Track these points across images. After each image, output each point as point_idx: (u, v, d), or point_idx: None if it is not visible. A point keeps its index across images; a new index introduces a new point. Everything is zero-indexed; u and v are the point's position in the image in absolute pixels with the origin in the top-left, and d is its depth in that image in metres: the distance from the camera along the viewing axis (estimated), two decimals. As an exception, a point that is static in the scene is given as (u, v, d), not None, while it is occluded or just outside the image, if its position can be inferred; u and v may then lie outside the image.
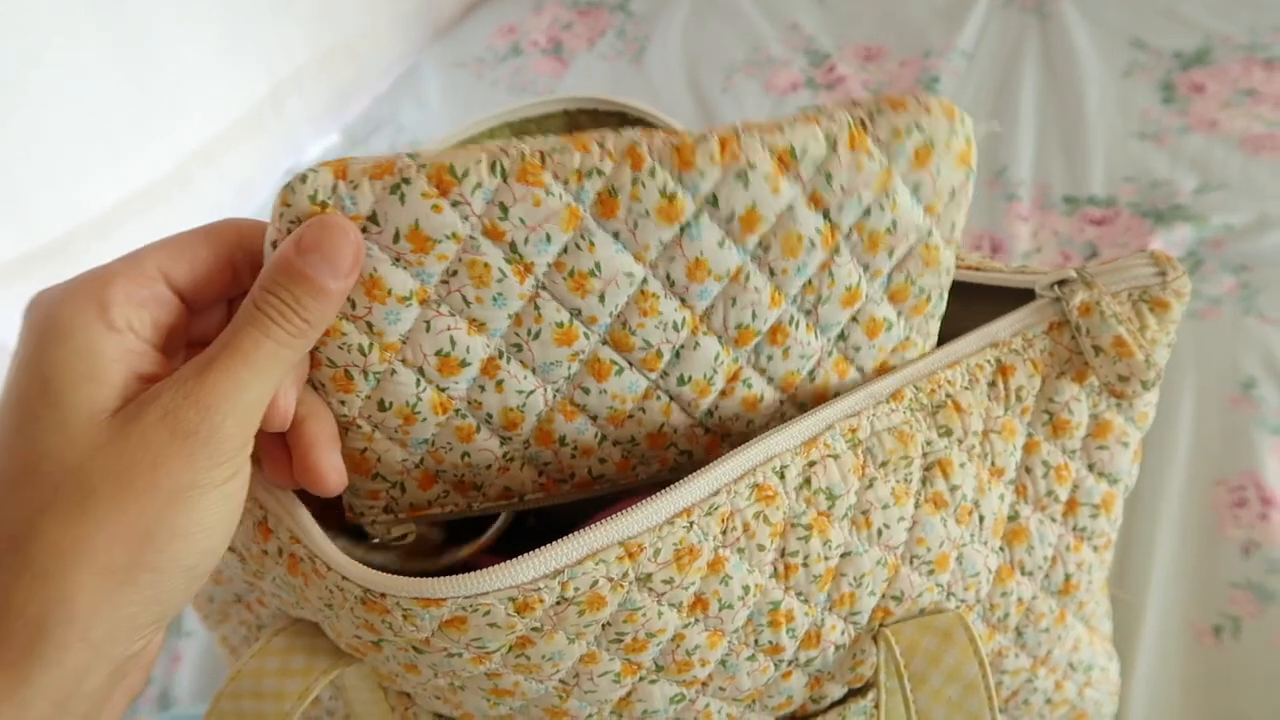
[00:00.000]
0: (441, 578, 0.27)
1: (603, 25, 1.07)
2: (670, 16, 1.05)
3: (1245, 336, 0.65)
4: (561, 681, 0.31)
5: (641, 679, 0.32)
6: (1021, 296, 0.35)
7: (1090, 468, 0.36)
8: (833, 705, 0.36)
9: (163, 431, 0.24)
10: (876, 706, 0.34)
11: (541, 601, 0.28)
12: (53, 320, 0.25)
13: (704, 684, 0.33)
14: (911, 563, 0.33)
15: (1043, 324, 0.34)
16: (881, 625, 0.34)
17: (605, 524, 0.29)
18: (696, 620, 0.31)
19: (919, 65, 0.94)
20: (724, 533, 0.30)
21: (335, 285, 0.26)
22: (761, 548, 0.31)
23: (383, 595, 0.28)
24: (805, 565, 0.32)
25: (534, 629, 0.29)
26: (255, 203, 0.95)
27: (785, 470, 0.31)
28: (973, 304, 0.37)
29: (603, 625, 0.30)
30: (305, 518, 0.29)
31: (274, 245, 0.27)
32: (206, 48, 0.88)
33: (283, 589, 0.32)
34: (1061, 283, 0.33)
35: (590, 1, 1.10)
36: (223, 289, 0.28)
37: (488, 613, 0.28)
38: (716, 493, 0.30)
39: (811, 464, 0.32)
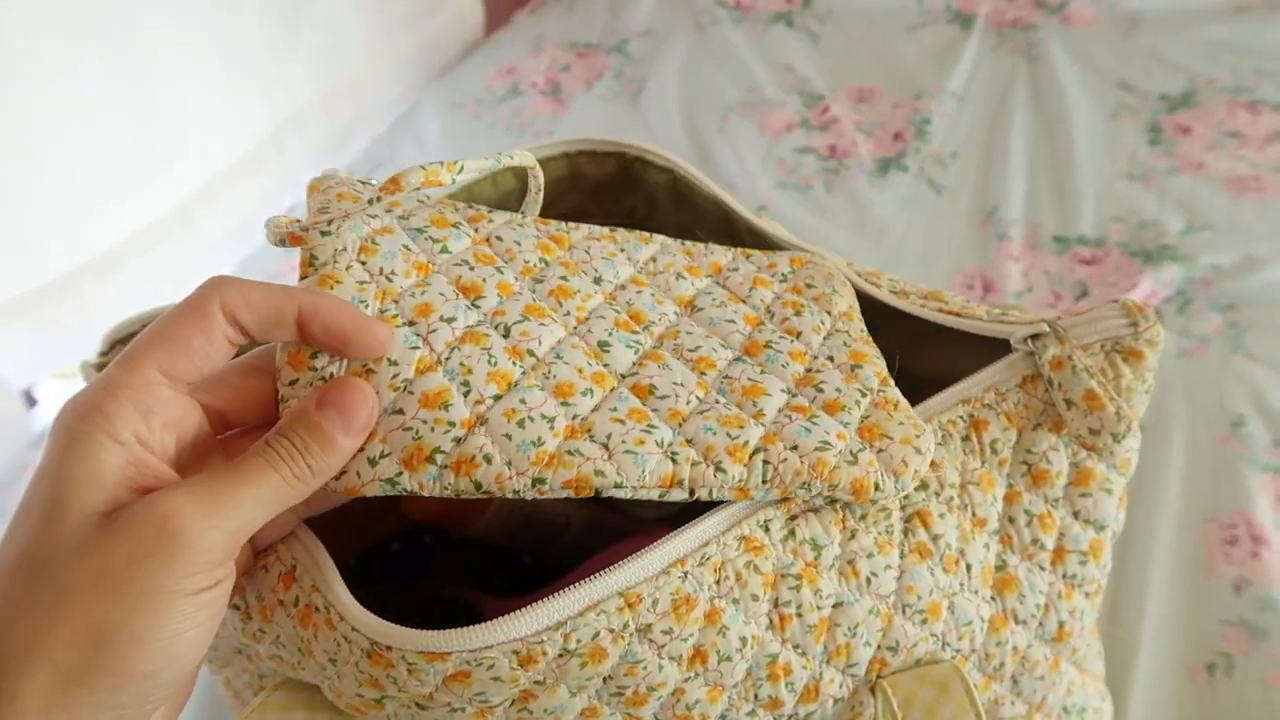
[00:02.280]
0: (446, 631, 0.28)
1: (600, 67, 1.09)
2: (667, 58, 1.07)
3: (1233, 375, 0.66)
4: None
5: None
6: (1001, 342, 0.36)
7: (1075, 515, 0.36)
8: None
9: (145, 530, 0.24)
10: None
11: (545, 654, 0.28)
12: (65, 427, 0.26)
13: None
14: (904, 612, 0.34)
15: (1016, 378, 0.35)
16: (879, 677, 0.34)
17: (603, 575, 0.29)
18: (696, 674, 0.31)
19: (911, 107, 0.95)
20: (718, 582, 0.31)
21: (346, 442, 0.28)
22: (755, 598, 0.31)
23: (388, 648, 0.28)
24: (799, 615, 0.32)
25: (537, 682, 0.29)
26: (255, 242, 0.96)
27: (769, 523, 0.32)
28: (956, 346, 0.38)
29: (604, 678, 0.30)
30: (330, 566, 0.30)
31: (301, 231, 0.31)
32: (210, 87, 0.90)
33: (284, 649, 0.32)
34: (1035, 337, 0.34)
35: (588, 43, 1.12)
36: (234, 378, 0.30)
37: (491, 666, 0.28)
38: (707, 544, 0.31)
39: (793, 517, 0.32)
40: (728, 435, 0.31)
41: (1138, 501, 0.60)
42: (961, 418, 0.35)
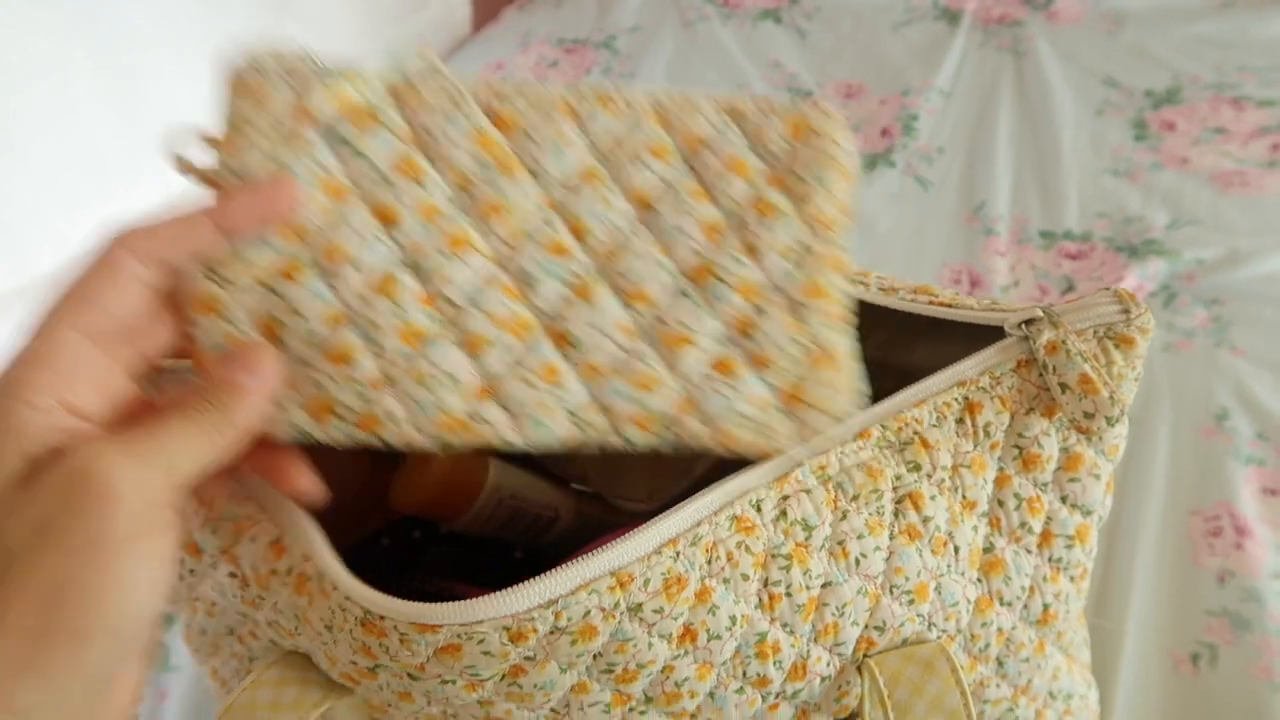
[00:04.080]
0: (439, 604, 0.28)
1: (588, 63, 1.09)
2: (655, 54, 1.07)
3: (1218, 369, 0.66)
4: (553, 710, 0.32)
5: (631, 710, 0.32)
6: (992, 333, 0.36)
7: (1063, 500, 0.36)
8: None
9: (74, 481, 0.24)
10: None
11: (535, 631, 0.29)
12: None
13: (693, 716, 0.33)
14: (892, 592, 0.34)
15: (1010, 362, 0.35)
16: (865, 656, 0.34)
17: (596, 555, 0.29)
18: (686, 652, 0.31)
19: (898, 103, 0.96)
20: (709, 562, 0.31)
21: (253, 384, 0.29)
22: (745, 577, 0.32)
23: (381, 618, 0.28)
24: (789, 595, 0.32)
25: (527, 658, 0.29)
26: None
27: (761, 504, 0.32)
28: (946, 341, 0.38)
29: (594, 655, 0.30)
30: (318, 537, 0.30)
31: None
32: (197, 82, 0.89)
33: (282, 614, 0.32)
34: (1029, 321, 0.34)
35: (576, 39, 1.12)
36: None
37: (482, 640, 0.28)
38: (699, 524, 0.31)
39: (785, 498, 0.33)
40: (639, 403, 0.31)
41: (1124, 493, 0.60)
42: (957, 400, 0.35)
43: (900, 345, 0.42)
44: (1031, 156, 0.87)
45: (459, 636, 0.28)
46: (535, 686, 0.30)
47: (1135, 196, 0.81)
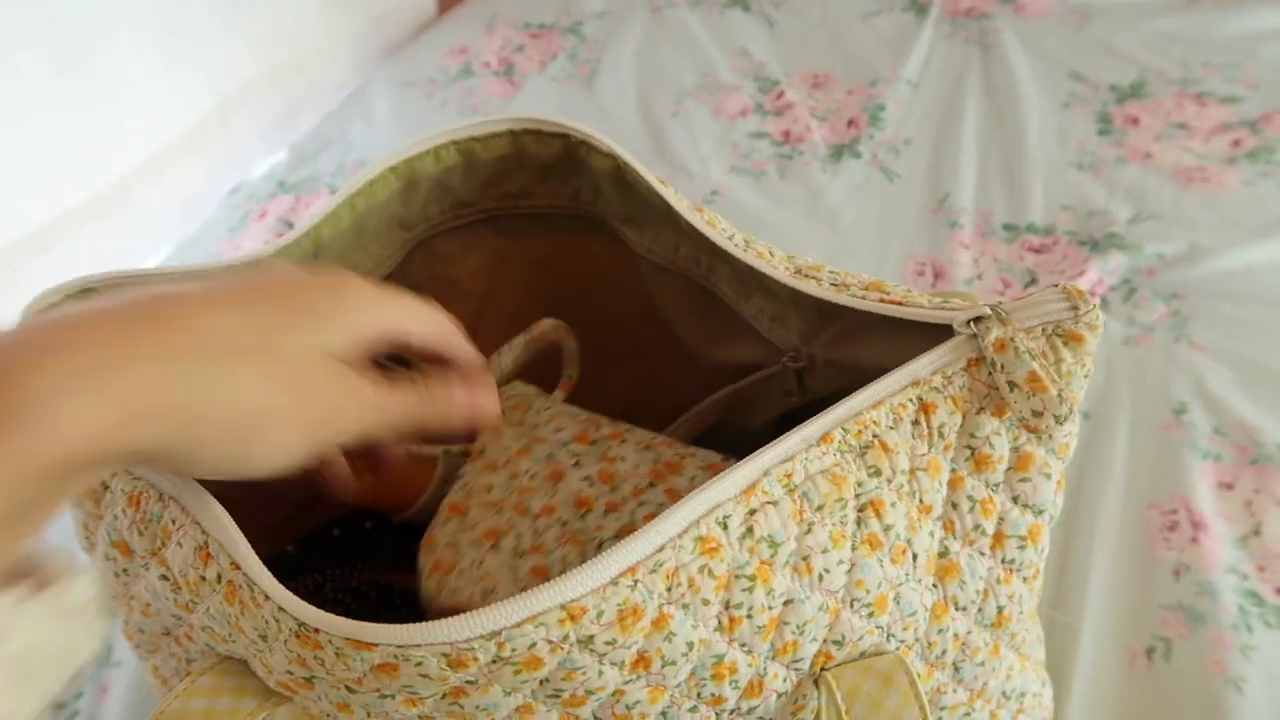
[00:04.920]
0: (375, 625, 0.27)
1: (554, 48, 1.07)
2: (622, 41, 1.06)
3: (1177, 363, 0.67)
4: None
5: None
6: (944, 331, 0.35)
7: (1015, 500, 0.36)
8: None
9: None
10: None
11: (476, 660, 0.27)
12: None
13: None
14: (852, 606, 0.33)
15: (961, 361, 0.34)
16: (823, 670, 0.34)
17: (548, 586, 0.28)
18: (638, 677, 0.30)
19: (865, 93, 0.95)
20: (669, 589, 0.30)
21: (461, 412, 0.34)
22: (706, 602, 0.30)
23: (316, 631, 0.27)
24: (749, 617, 0.31)
25: (468, 681, 0.28)
26: (200, 220, 0.93)
27: (728, 520, 0.31)
28: (898, 336, 0.37)
29: (541, 681, 0.29)
30: (244, 546, 0.29)
31: None
32: (149, 62, 0.87)
33: (215, 620, 0.31)
34: (977, 319, 0.34)
35: (542, 24, 1.11)
36: None
37: (420, 663, 0.27)
38: (662, 549, 0.29)
39: (752, 512, 0.31)
40: None
41: (1082, 486, 0.60)
42: (911, 401, 0.34)
43: (850, 341, 0.42)
44: (997, 149, 0.87)
45: (395, 657, 0.27)
46: (478, 708, 0.29)
47: (1099, 190, 0.81)
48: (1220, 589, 0.54)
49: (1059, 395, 0.33)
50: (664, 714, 0.32)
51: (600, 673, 0.29)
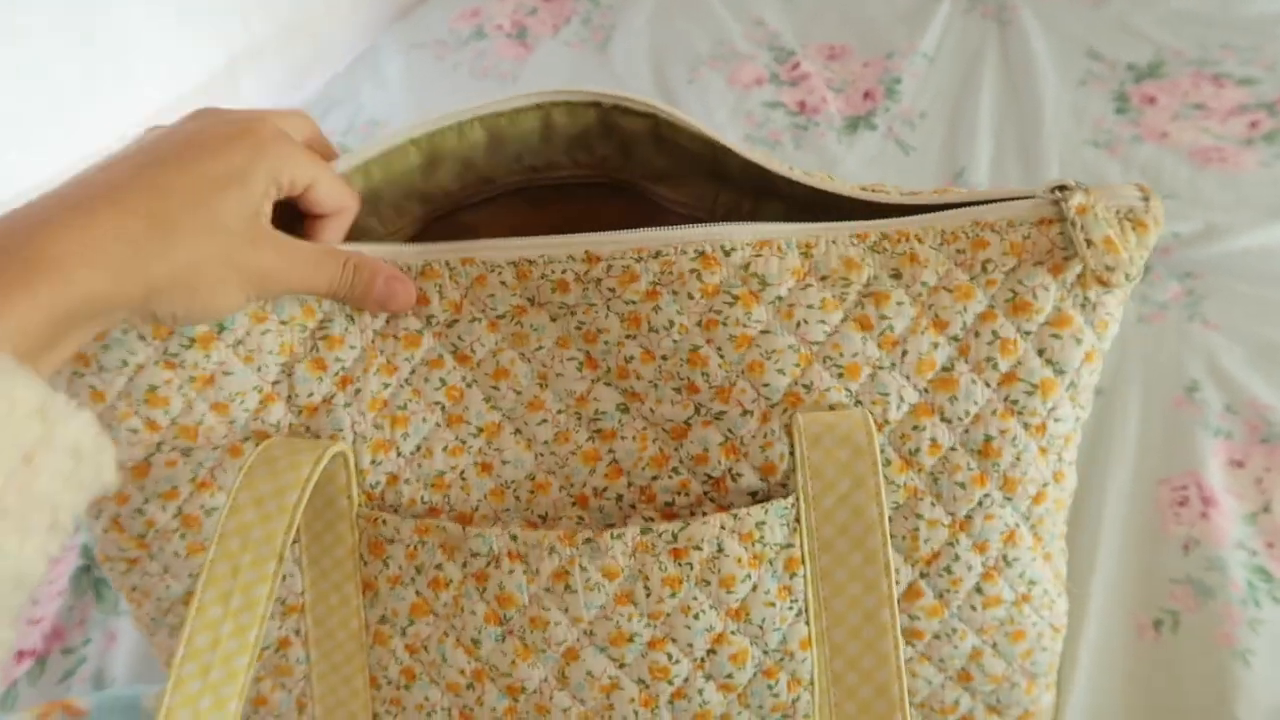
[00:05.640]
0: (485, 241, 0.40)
1: (568, 12, 1.06)
2: (637, 7, 1.05)
3: (1190, 341, 0.66)
4: (542, 364, 0.40)
5: (597, 380, 0.40)
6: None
7: (1040, 353, 0.38)
8: (755, 501, 0.39)
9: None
10: (797, 512, 0.38)
11: (529, 274, 0.39)
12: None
13: (639, 398, 0.40)
14: (824, 362, 0.38)
15: (1033, 217, 0.37)
16: (792, 412, 0.38)
17: (582, 235, 0.39)
18: (632, 335, 0.39)
19: (881, 66, 0.95)
20: (662, 273, 0.38)
21: (378, 296, 0.40)
22: (691, 296, 0.38)
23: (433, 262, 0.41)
24: (724, 324, 0.38)
25: (528, 299, 0.40)
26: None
27: (732, 251, 0.38)
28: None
29: (570, 311, 0.39)
30: None
31: None
32: (161, 16, 0.86)
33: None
34: (1061, 187, 0.37)
35: (556, -12, 1.10)
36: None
37: (500, 272, 0.40)
38: (665, 248, 0.38)
39: (759, 255, 0.38)
40: None
41: (1092, 462, 0.60)
42: (965, 233, 0.38)
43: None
44: (1013, 125, 0.87)
45: (484, 269, 0.40)
46: (531, 327, 0.40)
47: (1114, 168, 0.81)
48: (1230, 564, 0.54)
49: (1130, 259, 0.36)
50: (654, 383, 0.39)
51: (606, 315, 0.39)
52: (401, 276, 0.40)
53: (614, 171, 0.48)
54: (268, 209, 0.37)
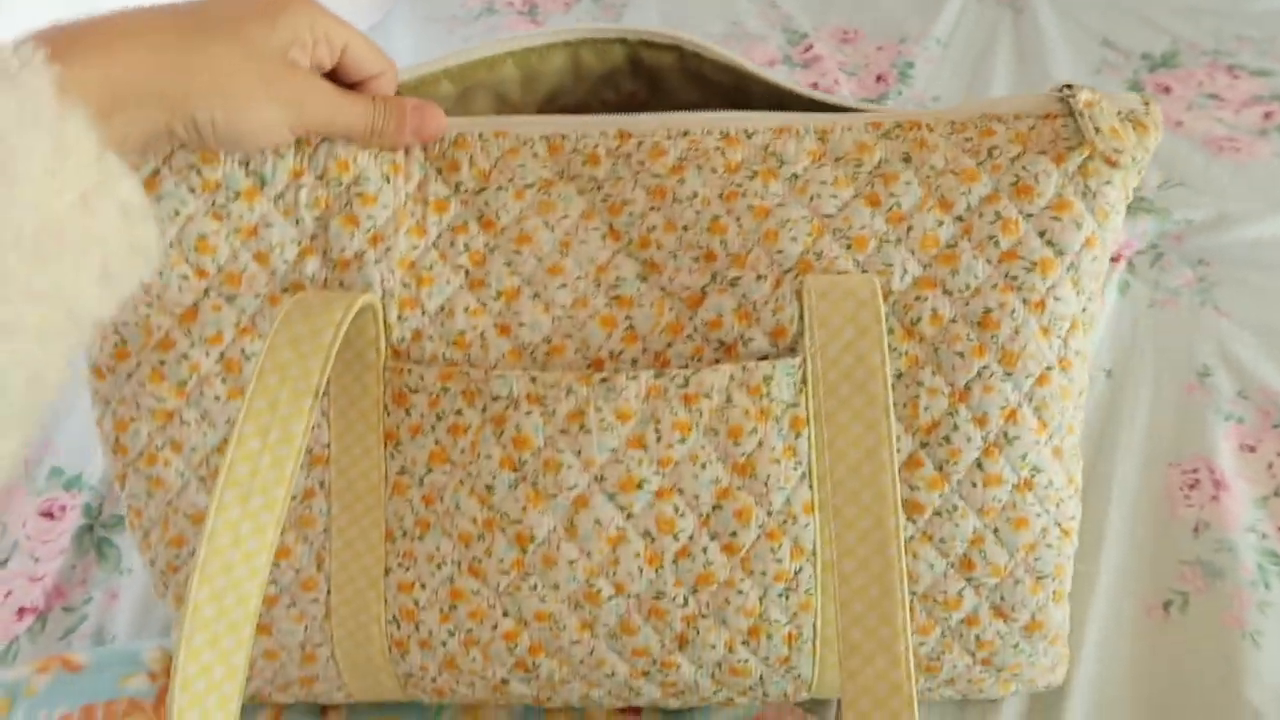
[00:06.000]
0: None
1: (580, -10, 1.06)
2: (649, -14, 1.04)
3: (1202, 327, 0.66)
4: (566, 233, 0.42)
5: (618, 251, 0.42)
6: None
7: (1040, 234, 0.40)
8: (764, 359, 0.41)
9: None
10: (804, 372, 0.40)
11: (561, 149, 0.42)
12: None
13: (656, 267, 0.41)
14: (834, 233, 0.40)
15: (1039, 110, 0.41)
16: (803, 277, 0.40)
17: (615, 116, 0.42)
18: (656, 208, 0.41)
19: (895, 51, 0.94)
20: (689, 149, 0.41)
21: (410, 134, 0.42)
22: (714, 170, 0.41)
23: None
24: (744, 196, 0.41)
25: (556, 172, 0.42)
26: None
27: (754, 134, 0.41)
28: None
29: (598, 185, 0.42)
30: None
31: None
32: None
33: None
34: (1069, 86, 0.40)
35: (568, -34, 1.09)
36: None
37: (532, 145, 0.42)
38: (695, 126, 0.42)
39: (778, 137, 0.41)
40: None
41: (1102, 444, 0.60)
42: (974, 123, 0.41)
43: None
44: (1026, 111, 0.86)
45: (516, 143, 0.42)
46: (559, 197, 0.42)
47: (1128, 156, 0.80)
48: (1240, 546, 0.54)
49: (1134, 144, 0.39)
50: (674, 253, 0.41)
51: (633, 189, 0.41)
52: (431, 105, 0.41)
53: (642, 109, 0.48)
54: (303, 59, 0.38)
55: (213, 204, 0.41)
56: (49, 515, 0.61)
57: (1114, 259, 0.71)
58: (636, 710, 0.49)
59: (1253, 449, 0.59)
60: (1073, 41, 0.93)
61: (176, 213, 0.41)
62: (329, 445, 0.43)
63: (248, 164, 0.41)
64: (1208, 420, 0.60)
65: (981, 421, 0.40)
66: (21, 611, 0.57)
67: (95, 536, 0.60)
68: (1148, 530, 0.56)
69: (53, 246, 0.29)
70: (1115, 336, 0.66)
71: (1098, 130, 0.39)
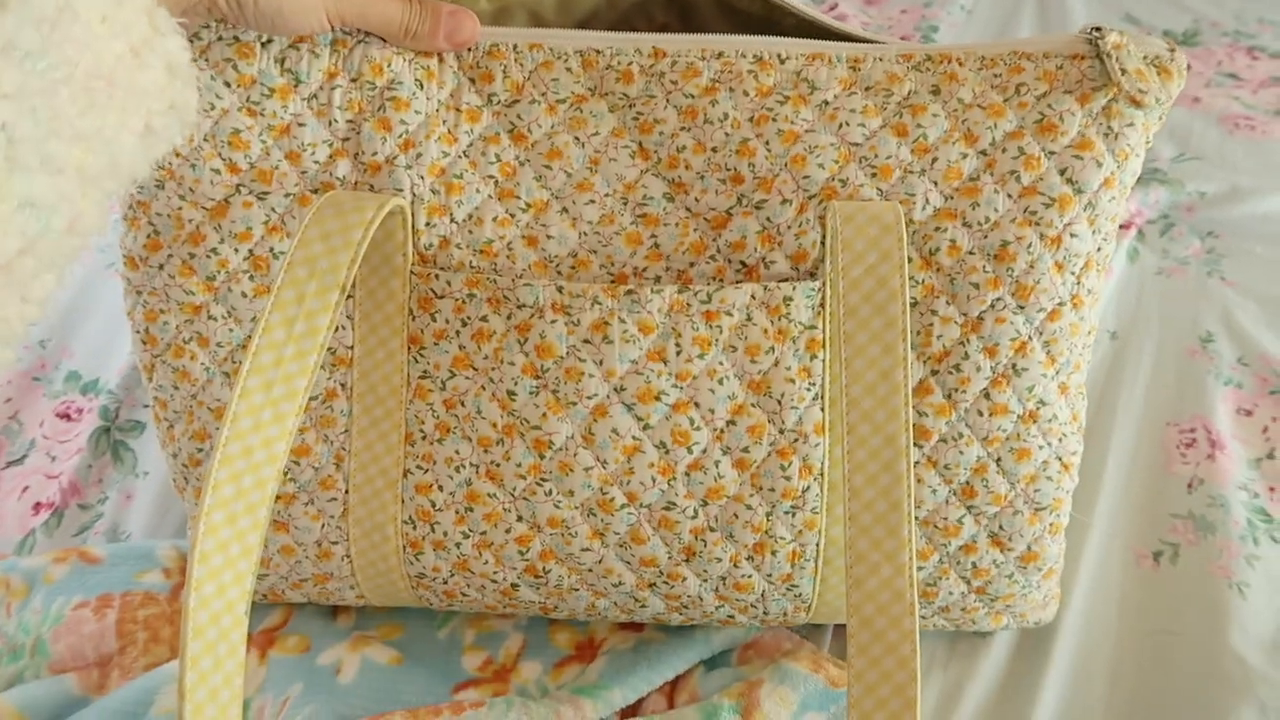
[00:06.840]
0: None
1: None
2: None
3: (1207, 296, 0.67)
4: (596, 150, 0.42)
5: (646, 171, 0.42)
6: None
7: (1061, 171, 0.41)
8: (784, 281, 0.42)
9: None
10: (822, 296, 0.41)
11: (595, 64, 0.42)
12: None
13: (684, 187, 0.42)
14: (860, 161, 0.41)
15: (1067, 51, 0.41)
16: (827, 204, 0.41)
17: (648, 34, 0.42)
18: (687, 128, 0.42)
19: (919, 14, 0.95)
20: (723, 71, 0.42)
21: (443, 39, 0.41)
22: (746, 93, 0.41)
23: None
24: (774, 120, 0.41)
25: (589, 88, 0.42)
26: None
27: (787, 60, 0.42)
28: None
29: (630, 103, 0.42)
30: None
31: None
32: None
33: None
34: (1097, 28, 0.41)
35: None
36: None
37: (566, 59, 0.42)
38: (729, 48, 0.42)
39: (811, 64, 0.42)
40: None
41: (1103, 400, 0.61)
42: (1004, 59, 0.42)
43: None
44: (1046, 80, 0.87)
45: (550, 55, 0.42)
46: (591, 114, 0.42)
47: (1144, 128, 0.81)
48: (1232, 503, 0.55)
49: (1158, 87, 0.40)
50: (701, 174, 0.42)
51: (664, 108, 0.42)
52: (467, 11, 0.42)
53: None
54: None
55: (247, 99, 0.41)
56: (66, 417, 0.62)
57: (1124, 226, 0.72)
58: (639, 626, 0.50)
59: (1249, 413, 0.60)
60: (1096, 16, 0.93)
61: (212, 106, 0.41)
62: (352, 347, 0.44)
63: (283, 61, 0.41)
64: (1207, 384, 0.62)
65: (992, 352, 0.42)
66: (38, 506, 0.58)
67: (111, 439, 0.61)
68: (1143, 483, 0.57)
69: (102, 92, 0.30)
70: (1121, 301, 0.68)
71: (1124, 71, 0.39)
